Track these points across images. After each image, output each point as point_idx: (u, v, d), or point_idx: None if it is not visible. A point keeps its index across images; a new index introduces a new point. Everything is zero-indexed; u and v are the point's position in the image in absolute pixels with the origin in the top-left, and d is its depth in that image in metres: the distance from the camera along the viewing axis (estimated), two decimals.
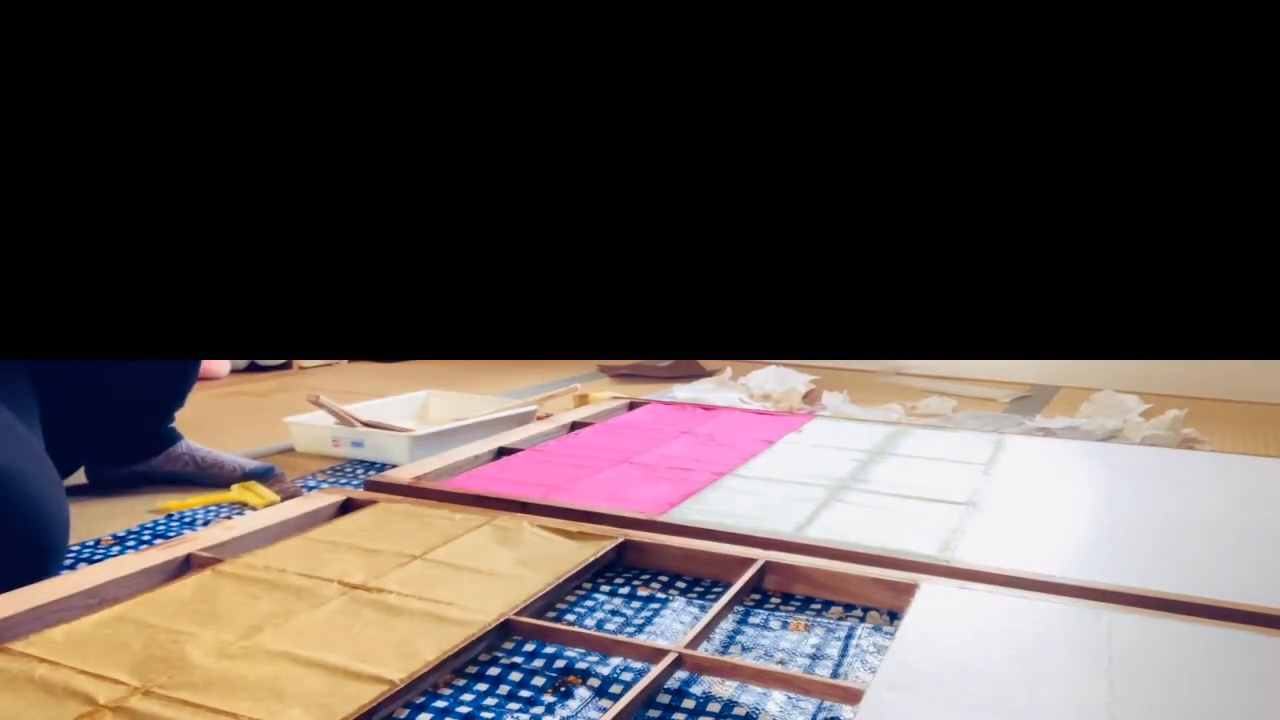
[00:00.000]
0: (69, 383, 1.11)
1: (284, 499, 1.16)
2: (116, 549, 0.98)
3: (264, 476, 1.23)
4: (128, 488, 1.22)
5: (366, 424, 1.50)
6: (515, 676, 0.66)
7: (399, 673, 0.61)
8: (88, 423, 1.18)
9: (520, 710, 0.63)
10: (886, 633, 0.75)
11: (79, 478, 1.23)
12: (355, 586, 0.75)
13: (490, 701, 0.64)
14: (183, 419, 1.29)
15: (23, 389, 0.99)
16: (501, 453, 1.26)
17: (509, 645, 0.70)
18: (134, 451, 1.24)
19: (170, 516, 1.11)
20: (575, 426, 1.43)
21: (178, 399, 1.27)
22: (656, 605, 0.80)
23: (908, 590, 0.77)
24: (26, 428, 0.92)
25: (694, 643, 0.68)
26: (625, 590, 0.83)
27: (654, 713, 0.63)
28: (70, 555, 0.96)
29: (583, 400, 1.75)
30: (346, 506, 0.98)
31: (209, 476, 1.24)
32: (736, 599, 0.78)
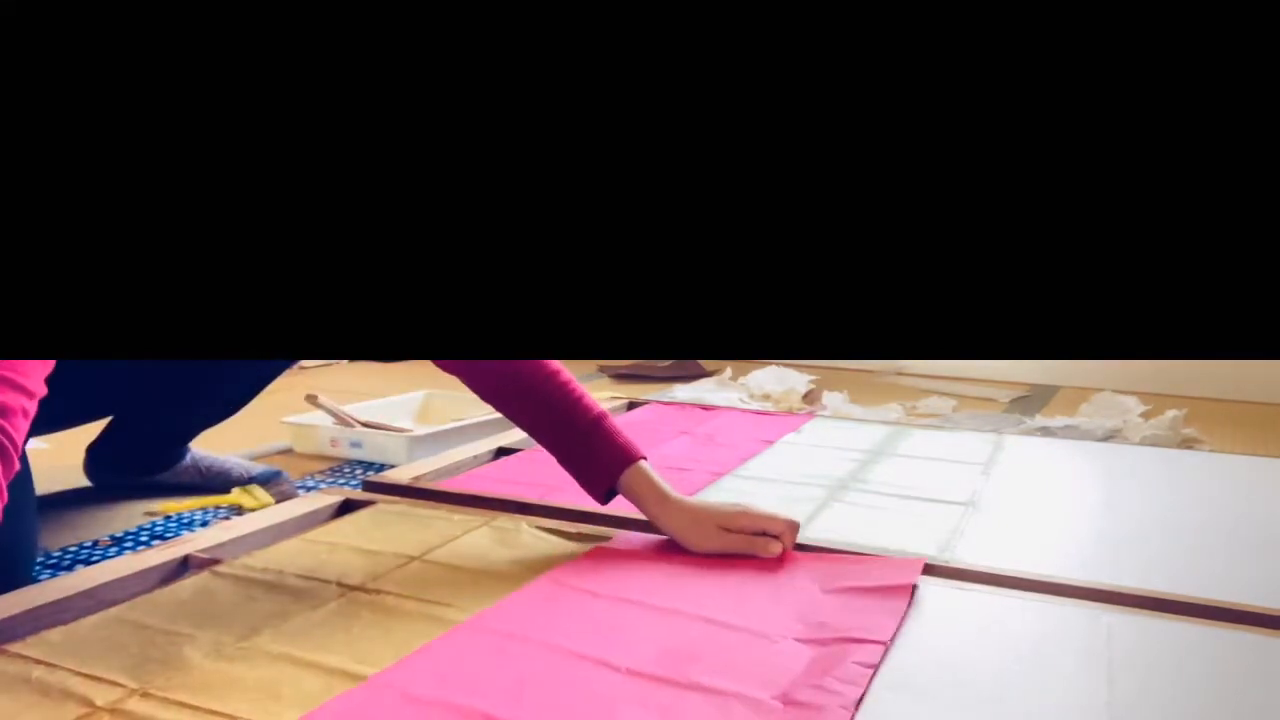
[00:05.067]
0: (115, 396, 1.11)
1: (278, 502, 1.16)
2: (114, 550, 0.98)
3: (269, 480, 1.23)
4: (126, 490, 1.21)
5: (365, 424, 1.50)
6: None
7: None
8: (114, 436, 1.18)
9: None
10: None
11: (78, 477, 1.22)
12: (353, 588, 0.75)
13: None
14: None
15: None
16: (500, 453, 1.26)
17: None
18: (144, 467, 1.23)
19: (168, 518, 1.11)
20: None
21: (207, 425, 1.26)
22: None
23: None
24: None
25: None
26: None
27: None
28: (68, 556, 0.96)
29: None
30: (345, 508, 0.98)
31: (215, 485, 1.23)
32: None
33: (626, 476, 0.84)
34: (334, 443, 1.47)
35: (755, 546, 0.81)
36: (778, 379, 2.01)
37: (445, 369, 0.89)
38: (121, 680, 0.59)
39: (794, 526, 0.82)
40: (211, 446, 1.30)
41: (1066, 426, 1.63)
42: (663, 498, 0.84)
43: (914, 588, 0.75)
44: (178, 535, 1.01)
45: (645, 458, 0.85)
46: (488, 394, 0.88)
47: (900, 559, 0.79)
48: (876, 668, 0.62)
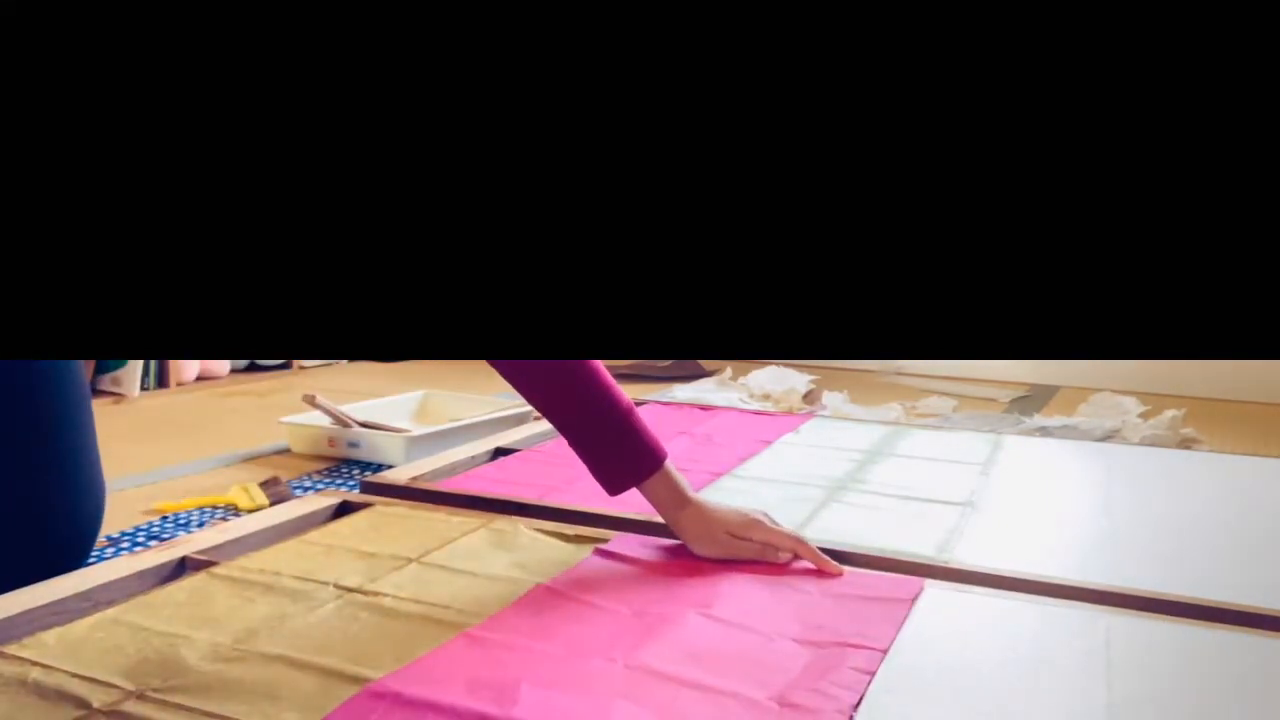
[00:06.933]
0: None
1: (273, 503, 1.16)
2: (110, 550, 0.98)
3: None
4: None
5: (363, 424, 1.50)
6: None
7: None
8: None
9: None
10: None
11: None
12: (351, 590, 0.75)
13: None
14: (182, 419, 1.28)
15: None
16: (499, 453, 1.26)
17: None
18: None
19: (165, 518, 1.11)
20: None
21: None
22: None
23: None
24: None
25: None
26: None
27: None
28: None
29: None
30: (342, 509, 0.98)
31: None
32: None
33: (649, 479, 0.83)
34: (332, 442, 1.47)
35: (764, 555, 0.81)
36: (778, 379, 2.01)
37: None
38: (118, 682, 0.59)
39: (801, 545, 0.81)
40: (213, 446, 1.30)
41: (1065, 426, 1.63)
42: (680, 502, 0.83)
43: (913, 600, 0.75)
44: (175, 536, 1.01)
45: (667, 455, 0.84)
46: (506, 369, 0.85)
47: (900, 577, 0.79)
48: (874, 673, 0.62)
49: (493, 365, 0.84)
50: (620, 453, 0.82)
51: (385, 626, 0.68)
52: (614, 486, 0.83)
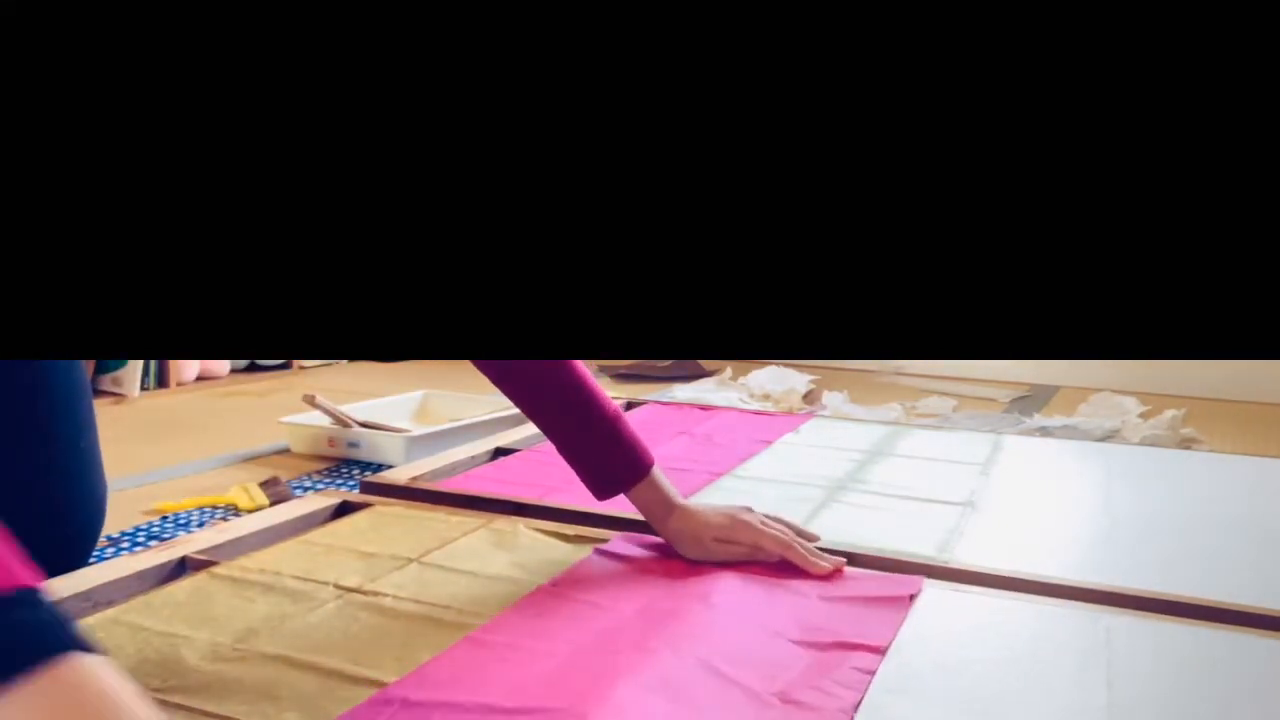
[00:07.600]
0: None
1: (273, 503, 1.16)
2: (110, 550, 0.98)
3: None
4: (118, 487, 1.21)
5: (362, 424, 1.50)
6: None
7: (395, 676, 0.60)
8: None
9: None
10: None
11: None
12: (351, 589, 0.75)
13: None
14: (181, 419, 1.28)
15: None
16: (498, 453, 1.26)
17: None
18: None
19: (165, 518, 1.11)
20: None
21: None
22: None
23: None
24: None
25: None
26: None
27: None
28: None
29: None
30: (342, 509, 0.98)
31: None
32: None
33: (636, 485, 0.83)
34: (331, 442, 1.47)
35: (754, 557, 0.81)
36: (778, 379, 2.01)
37: None
38: None
39: (790, 550, 0.80)
40: (212, 446, 1.30)
41: (1065, 426, 1.63)
42: (667, 509, 0.83)
43: (912, 598, 0.75)
44: (175, 536, 1.01)
45: (654, 462, 0.84)
46: (494, 374, 0.84)
47: (899, 576, 0.79)
48: (874, 673, 0.62)
49: (480, 369, 0.84)
50: (606, 460, 0.83)
51: (385, 626, 0.68)
52: (601, 493, 0.84)
